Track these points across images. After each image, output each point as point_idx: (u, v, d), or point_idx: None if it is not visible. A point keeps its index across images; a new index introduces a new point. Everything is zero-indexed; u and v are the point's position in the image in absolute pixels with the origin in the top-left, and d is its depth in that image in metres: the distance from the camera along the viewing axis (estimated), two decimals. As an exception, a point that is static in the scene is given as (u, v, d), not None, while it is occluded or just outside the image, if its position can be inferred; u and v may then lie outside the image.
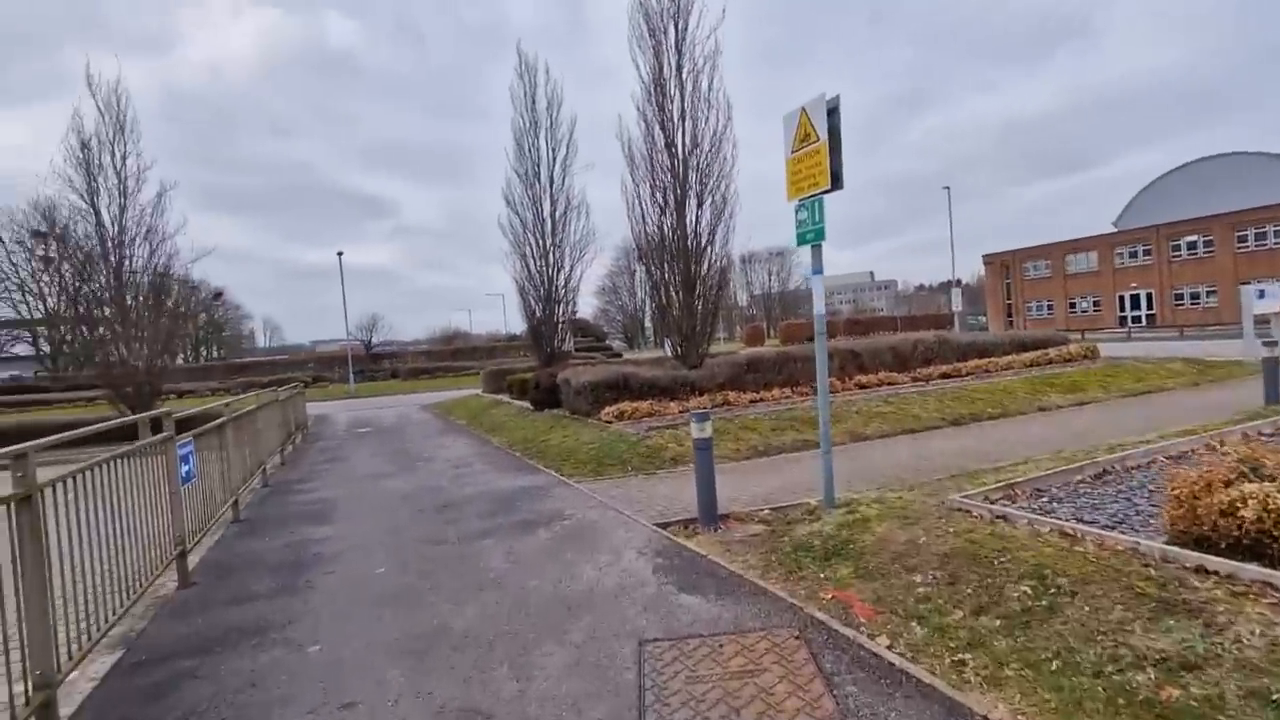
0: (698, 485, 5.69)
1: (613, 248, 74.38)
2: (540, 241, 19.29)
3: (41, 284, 15.09)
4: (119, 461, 4.22)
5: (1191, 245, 41.67)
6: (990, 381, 13.61)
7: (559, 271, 19.26)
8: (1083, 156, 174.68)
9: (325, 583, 4.84)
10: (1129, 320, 44.03)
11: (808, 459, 8.56)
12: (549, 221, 19.33)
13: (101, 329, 16.38)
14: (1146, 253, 44.02)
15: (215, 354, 70.14)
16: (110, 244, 16.09)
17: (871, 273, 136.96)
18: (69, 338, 16.54)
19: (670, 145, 12.84)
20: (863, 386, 13.66)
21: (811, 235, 5.52)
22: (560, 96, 19.01)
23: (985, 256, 56.16)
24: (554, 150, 19.30)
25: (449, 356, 57.03)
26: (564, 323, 20.06)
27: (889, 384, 13.92)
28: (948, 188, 40.56)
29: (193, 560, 5.49)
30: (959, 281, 40.09)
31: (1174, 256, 42.52)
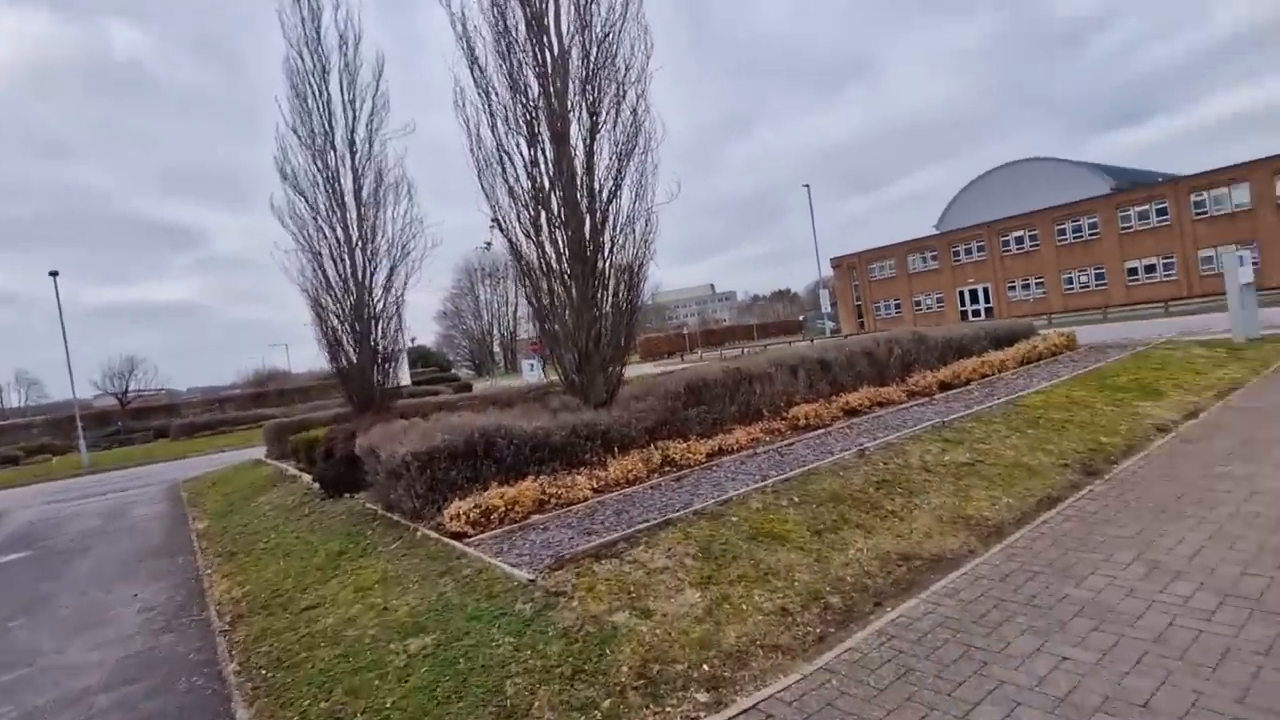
0: None
1: (453, 269, 66.43)
2: (342, 233, 12.97)
3: None
4: None
5: (1019, 240, 43.54)
6: (1028, 392, 9.52)
7: (371, 275, 13.02)
8: (880, 176, 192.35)
9: None
10: (969, 314, 45.19)
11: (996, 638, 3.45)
12: (353, 206, 13.09)
13: None
14: (981, 249, 45.59)
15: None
16: None
17: (712, 285, 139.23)
18: None
19: (538, 25, 7.42)
20: (853, 412, 9.09)
21: None
22: (359, 31, 12.82)
23: (833, 259, 56.34)
24: (353, 105, 13.11)
25: (251, 403, 46.16)
26: (387, 346, 13.57)
27: (884, 404, 9.49)
28: (807, 186, 38.98)
29: None
30: (825, 283, 38.48)
31: (1004, 251, 44.31)
